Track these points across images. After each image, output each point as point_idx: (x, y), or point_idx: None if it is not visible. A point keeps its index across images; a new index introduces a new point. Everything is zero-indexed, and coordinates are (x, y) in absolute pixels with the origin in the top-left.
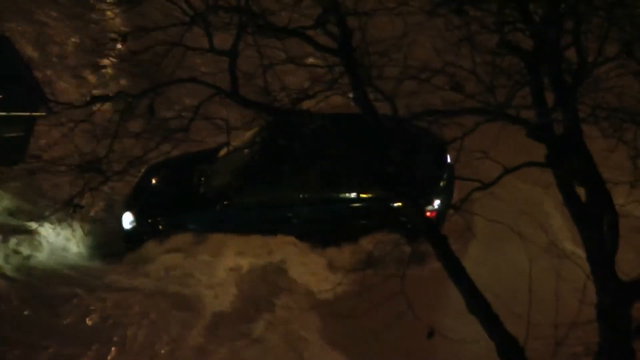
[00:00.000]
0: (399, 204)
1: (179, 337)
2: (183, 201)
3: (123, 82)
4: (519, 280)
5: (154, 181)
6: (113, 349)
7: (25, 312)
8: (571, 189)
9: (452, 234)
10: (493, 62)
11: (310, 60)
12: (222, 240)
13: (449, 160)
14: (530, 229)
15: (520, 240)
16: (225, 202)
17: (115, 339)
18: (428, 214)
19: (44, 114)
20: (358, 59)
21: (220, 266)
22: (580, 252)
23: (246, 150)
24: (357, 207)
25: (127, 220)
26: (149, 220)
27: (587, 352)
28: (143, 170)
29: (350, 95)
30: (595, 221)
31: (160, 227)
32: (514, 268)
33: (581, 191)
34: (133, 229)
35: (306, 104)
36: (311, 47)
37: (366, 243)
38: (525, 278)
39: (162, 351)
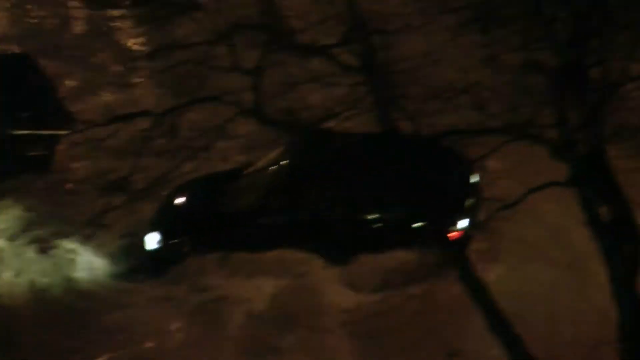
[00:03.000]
0: (424, 223)
1: (210, 355)
2: (208, 221)
3: (147, 101)
4: (542, 300)
5: (178, 201)
6: None
7: (47, 333)
8: (595, 208)
9: (476, 253)
10: (517, 82)
11: (334, 79)
12: (248, 258)
13: (474, 179)
14: (554, 248)
15: (544, 259)
16: (250, 221)
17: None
18: (452, 234)
19: (68, 132)
20: (382, 78)
21: (248, 285)
22: (604, 272)
23: (271, 169)
24: (381, 226)
25: (152, 240)
26: (174, 241)
27: None
28: (168, 190)
29: (374, 114)
30: (618, 241)
31: (185, 247)
32: (537, 288)
33: (604, 211)
34: (158, 249)
35: (330, 123)
36: (335, 66)
37: (390, 262)
38: (548, 298)
39: None
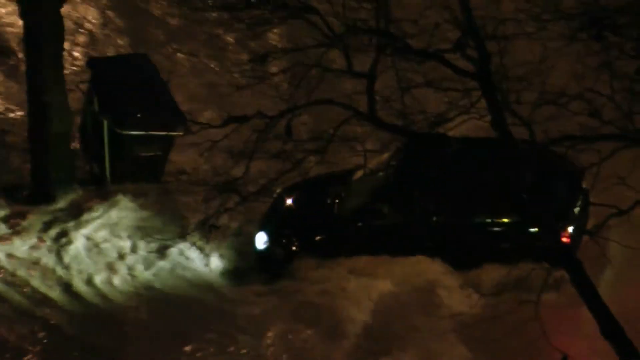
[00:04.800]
0: (536, 229)
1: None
2: (318, 222)
3: (261, 102)
4: None
5: (288, 202)
6: None
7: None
8: None
9: (587, 260)
10: (632, 88)
11: (448, 84)
12: (359, 262)
13: (584, 186)
14: None
15: None
16: (359, 224)
17: None
18: (563, 239)
19: (181, 133)
20: (496, 83)
21: (361, 288)
22: None
23: (382, 172)
24: (493, 231)
25: (261, 240)
26: (283, 241)
27: None
28: (278, 190)
29: (488, 119)
30: None
31: (294, 248)
32: None
33: None
34: (267, 249)
35: (443, 128)
36: (449, 70)
37: (502, 268)
38: None
39: None
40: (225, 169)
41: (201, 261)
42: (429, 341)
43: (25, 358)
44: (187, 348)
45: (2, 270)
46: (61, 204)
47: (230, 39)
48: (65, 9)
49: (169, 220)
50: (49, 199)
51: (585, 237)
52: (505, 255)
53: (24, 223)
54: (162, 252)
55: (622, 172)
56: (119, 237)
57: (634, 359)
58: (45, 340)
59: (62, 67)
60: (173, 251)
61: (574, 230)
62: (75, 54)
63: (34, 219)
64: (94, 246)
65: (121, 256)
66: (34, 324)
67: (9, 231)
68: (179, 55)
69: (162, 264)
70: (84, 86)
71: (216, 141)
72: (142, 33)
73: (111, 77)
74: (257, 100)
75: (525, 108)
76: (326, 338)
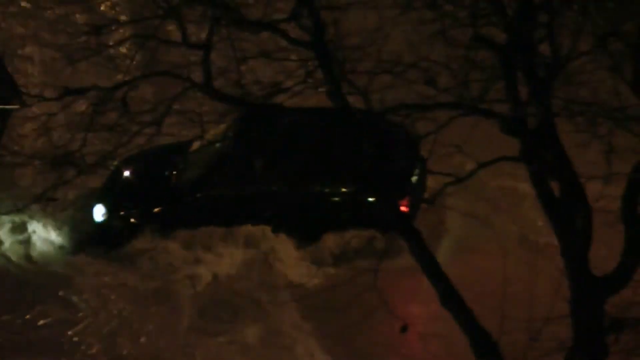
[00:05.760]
0: (373, 198)
1: (161, 335)
2: (156, 194)
3: (96, 75)
4: (492, 275)
5: (126, 174)
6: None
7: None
8: (545, 183)
9: (425, 228)
10: (467, 56)
11: (284, 54)
12: (197, 233)
13: (421, 154)
14: (503, 223)
15: (494, 234)
16: (198, 195)
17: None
18: (402, 208)
19: (17, 106)
20: (332, 53)
21: (198, 259)
22: (554, 247)
23: (219, 143)
24: (329, 201)
25: (99, 212)
26: (121, 213)
27: (560, 347)
28: (115, 163)
29: (324, 89)
30: (569, 216)
31: (132, 219)
32: (487, 262)
33: (555, 186)
34: (105, 221)
35: (279, 98)
36: (285, 40)
37: (339, 238)
38: (498, 272)
39: (147, 348)
40: (63, 142)
41: (39, 234)
42: (270, 313)
43: None
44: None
45: None
46: None
47: (64, 10)
48: None
49: (6, 193)
50: None
51: (424, 206)
52: (344, 225)
53: None
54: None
55: (458, 140)
56: None
57: (472, 326)
58: None
59: None
60: (10, 225)
61: (411, 199)
62: None
63: None
64: None
65: None
66: None
67: None
68: (14, 28)
69: (0, 237)
70: None
71: (52, 114)
72: None
73: None
74: (94, 73)
75: (361, 77)
76: (165, 314)
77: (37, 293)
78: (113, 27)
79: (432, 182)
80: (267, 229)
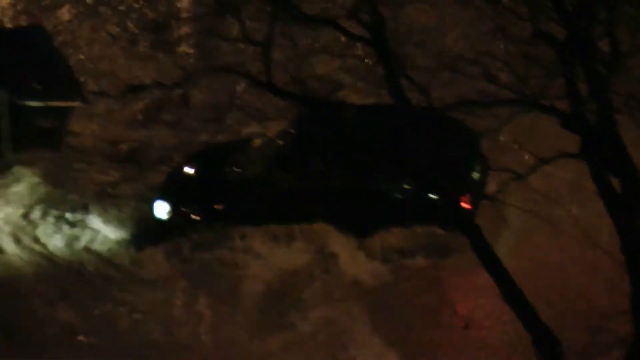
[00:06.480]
0: (434, 195)
1: (223, 329)
2: (217, 191)
3: (157, 72)
4: (553, 271)
5: (188, 170)
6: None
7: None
8: (605, 179)
9: (486, 224)
10: (527, 53)
11: (344, 50)
12: (258, 229)
13: (482, 151)
14: (564, 220)
15: (554, 230)
16: (259, 191)
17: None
18: (463, 205)
19: (79, 103)
20: (392, 49)
21: (259, 255)
22: (615, 243)
23: (280, 140)
24: (390, 198)
25: (160, 208)
26: (182, 209)
27: (621, 344)
28: (177, 159)
29: (384, 85)
30: (630, 212)
31: (193, 216)
32: (548, 258)
33: (616, 182)
34: (166, 217)
35: (340, 94)
36: (345, 37)
37: (400, 234)
38: (559, 269)
39: (206, 344)
40: (124, 138)
41: (101, 230)
42: (329, 308)
43: None
44: (97, 312)
45: None
46: None
47: (124, 8)
48: None
49: (69, 190)
50: None
51: (484, 202)
52: (405, 222)
53: None
54: (62, 222)
55: (519, 137)
56: (19, 208)
57: (533, 321)
58: None
59: None
60: (73, 221)
61: (472, 195)
62: None
63: None
64: None
65: (21, 227)
66: None
67: None
68: (76, 26)
69: (63, 233)
70: None
71: (114, 111)
72: (36, 3)
73: (7, 49)
74: (153, 70)
75: (421, 74)
76: (227, 305)
77: (101, 287)
78: (173, 24)
79: (493, 179)
80: (328, 226)
